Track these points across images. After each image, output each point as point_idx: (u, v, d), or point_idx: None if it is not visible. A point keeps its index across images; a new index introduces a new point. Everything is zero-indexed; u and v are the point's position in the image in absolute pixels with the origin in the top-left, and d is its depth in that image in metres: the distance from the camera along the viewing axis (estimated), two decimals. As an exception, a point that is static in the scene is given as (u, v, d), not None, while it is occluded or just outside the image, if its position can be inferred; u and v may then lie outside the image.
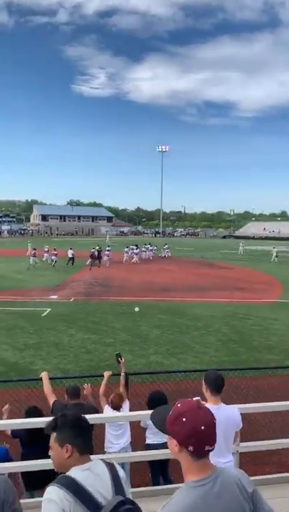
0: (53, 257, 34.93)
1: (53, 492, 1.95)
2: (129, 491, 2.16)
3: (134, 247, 41.95)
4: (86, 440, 2.13)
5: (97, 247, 37.39)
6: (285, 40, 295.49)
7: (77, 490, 1.97)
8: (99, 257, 35.93)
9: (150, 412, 5.18)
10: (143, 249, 44.63)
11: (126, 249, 40.93)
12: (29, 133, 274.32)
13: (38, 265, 33.42)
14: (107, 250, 37.50)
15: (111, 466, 2.15)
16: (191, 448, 1.68)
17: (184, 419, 1.69)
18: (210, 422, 1.70)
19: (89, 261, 33.54)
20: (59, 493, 1.94)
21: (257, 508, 1.77)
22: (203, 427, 1.67)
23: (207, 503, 1.65)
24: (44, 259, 36.34)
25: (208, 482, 1.69)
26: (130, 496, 2.10)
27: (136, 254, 40.84)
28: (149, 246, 46.45)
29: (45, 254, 36.93)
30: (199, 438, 1.67)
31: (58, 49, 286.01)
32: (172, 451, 1.76)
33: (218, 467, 1.78)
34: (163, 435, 5.31)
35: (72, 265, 33.93)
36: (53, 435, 2.16)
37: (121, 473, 2.16)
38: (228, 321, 15.97)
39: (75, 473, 2.05)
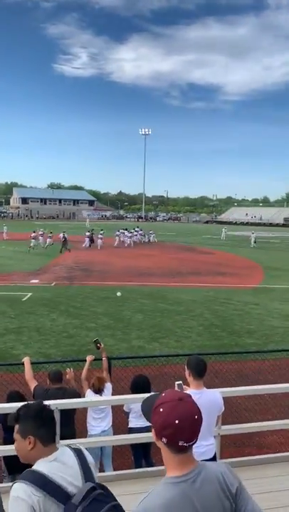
0: (48, 240, 36.18)
1: (20, 489, 1.91)
2: (97, 476, 2.15)
3: (125, 231, 42.92)
4: (49, 430, 2.09)
5: (92, 231, 39.07)
6: (271, 23, 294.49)
7: (44, 483, 1.94)
8: (92, 241, 38.11)
9: (133, 396, 5.23)
10: (134, 233, 45.32)
11: (117, 233, 41.94)
12: (8, 114, 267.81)
13: (35, 249, 33.50)
14: (101, 234, 38.56)
15: (78, 452, 2.13)
16: (164, 440, 1.65)
17: (161, 410, 1.65)
18: (188, 417, 1.63)
19: (32, 242, 34.62)
20: (26, 490, 1.90)
21: (239, 507, 1.71)
22: (177, 421, 1.60)
23: (185, 501, 1.60)
24: (39, 242, 36.65)
25: (188, 479, 1.64)
26: (98, 480, 2.09)
27: (129, 237, 41.97)
28: (138, 230, 47.03)
29: (40, 238, 37.43)
30: (173, 431, 1.61)
31: (38, 27, 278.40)
32: (154, 439, 1.73)
33: (200, 462, 1.72)
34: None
35: (66, 248, 34.11)
36: (16, 427, 2.12)
37: (89, 458, 2.16)
38: (210, 305, 16.14)
39: (42, 465, 2.01)
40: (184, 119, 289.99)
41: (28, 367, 5.21)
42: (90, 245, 38.07)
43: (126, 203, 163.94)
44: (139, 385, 5.31)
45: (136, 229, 46.99)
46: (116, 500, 1.98)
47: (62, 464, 2.05)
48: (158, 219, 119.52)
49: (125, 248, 38.91)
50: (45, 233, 38.19)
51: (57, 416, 3.97)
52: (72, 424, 5.04)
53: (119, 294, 16.95)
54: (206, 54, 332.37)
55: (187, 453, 1.66)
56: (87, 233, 39.30)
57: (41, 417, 2.08)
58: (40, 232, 38.17)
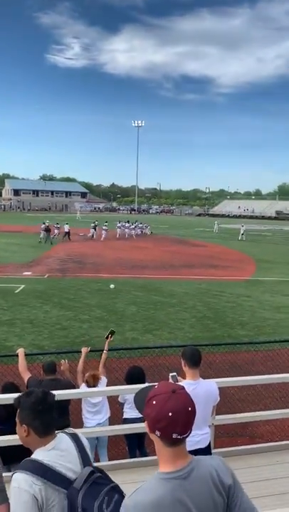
0: (55, 231, 37.33)
1: (21, 480, 1.93)
2: (92, 458, 2.20)
3: (126, 224, 44.20)
4: (45, 423, 2.09)
5: (96, 222, 40.86)
6: (265, 15, 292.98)
7: (44, 472, 1.96)
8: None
9: (127, 386, 5.25)
10: (135, 225, 46.10)
11: (118, 225, 43.44)
12: (0, 104, 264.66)
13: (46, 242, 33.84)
14: (105, 226, 39.87)
15: (75, 437, 2.17)
16: (158, 433, 1.63)
17: (154, 402, 1.63)
18: (181, 409, 1.60)
19: (42, 234, 34.97)
20: (27, 480, 1.92)
21: (233, 503, 1.69)
22: (170, 414, 1.58)
23: (177, 498, 1.58)
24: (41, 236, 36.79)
25: (181, 475, 1.62)
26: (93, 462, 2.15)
27: (133, 229, 43.56)
28: (139, 223, 47.75)
29: (56, 230, 37.96)
30: (166, 424, 1.59)
31: (31, 16, 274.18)
32: (147, 431, 1.71)
33: (194, 458, 1.70)
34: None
35: (69, 240, 35.81)
36: (18, 412, 2.15)
37: (84, 441, 2.20)
38: (202, 297, 16.21)
39: (40, 454, 2.04)
40: (177, 111, 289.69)
41: (21, 358, 5.19)
42: (93, 236, 39.49)
43: (119, 195, 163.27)
44: (134, 376, 5.33)
45: (136, 223, 47.66)
46: (114, 482, 2.04)
47: (61, 451, 2.07)
48: (151, 211, 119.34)
49: (120, 240, 38.92)
50: (51, 225, 38.06)
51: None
52: (67, 415, 5.06)
53: (112, 286, 16.95)
54: (200, 46, 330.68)
55: (181, 445, 1.65)
56: (92, 224, 40.47)
57: (37, 410, 2.08)
58: (55, 225, 38.90)
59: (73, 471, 2.04)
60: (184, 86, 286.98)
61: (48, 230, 34.58)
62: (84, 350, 5.60)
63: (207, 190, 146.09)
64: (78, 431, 2.31)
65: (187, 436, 1.64)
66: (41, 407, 2.09)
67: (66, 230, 36.76)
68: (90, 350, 5.67)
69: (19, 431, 2.11)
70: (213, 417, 4.34)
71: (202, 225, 66.91)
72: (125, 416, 5.50)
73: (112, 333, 5.78)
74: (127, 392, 4.95)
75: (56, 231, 37.85)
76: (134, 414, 5.25)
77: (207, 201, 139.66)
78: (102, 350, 5.78)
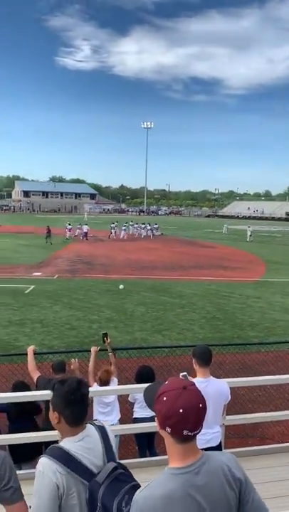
0: (78, 231, 39.73)
1: (46, 465, 1.97)
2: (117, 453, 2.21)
3: (142, 225, 47.00)
4: (76, 413, 2.11)
5: (116, 223, 43.25)
6: (274, 16, 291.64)
7: (69, 461, 2.00)
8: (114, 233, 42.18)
9: (137, 386, 5.23)
10: (149, 226, 47.29)
11: (135, 226, 46.82)
12: (11, 106, 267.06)
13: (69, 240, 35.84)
14: (124, 226, 43.49)
15: (102, 430, 2.18)
16: (168, 429, 1.61)
17: (165, 399, 1.62)
18: (192, 405, 1.59)
19: (68, 235, 37.93)
20: (52, 466, 1.96)
21: (245, 499, 1.68)
22: (181, 410, 1.57)
23: (187, 493, 1.57)
24: (67, 236, 38.68)
25: (191, 470, 1.60)
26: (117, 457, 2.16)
27: (149, 230, 45.57)
28: (149, 225, 48.56)
29: (68, 232, 39.58)
30: (176, 420, 1.58)
31: (40, 18, 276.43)
32: (158, 428, 1.70)
33: (205, 453, 1.68)
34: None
35: (87, 240, 37.90)
36: (52, 397, 2.18)
37: (111, 435, 2.21)
38: (212, 298, 16.14)
39: (68, 444, 2.07)
40: (187, 112, 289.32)
41: (30, 357, 5.19)
42: (110, 236, 41.56)
43: (128, 197, 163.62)
44: (143, 376, 5.32)
45: (150, 224, 49.22)
46: (136, 481, 2.04)
47: (87, 443, 2.10)
48: (160, 213, 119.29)
49: (129, 241, 38.99)
50: (73, 228, 40.57)
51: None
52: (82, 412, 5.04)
53: (121, 287, 16.97)
54: (209, 47, 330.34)
55: (191, 442, 1.63)
56: (112, 225, 42.51)
57: (69, 399, 2.09)
58: (68, 228, 39.89)
59: (96, 465, 2.06)
60: (192, 87, 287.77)
61: (48, 231, 34.92)
62: (93, 349, 5.58)
63: (216, 192, 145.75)
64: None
65: (198, 433, 1.62)
66: (73, 396, 2.10)
67: (85, 230, 38.99)
68: (99, 350, 5.66)
69: (51, 416, 2.14)
70: (223, 416, 4.32)
71: (211, 226, 66.68)
72: (135, 415, 5.48)
73: (105, 335, 5.74)
74: (137, 391, 4.94)
75: (78, 231, 39.88)
76: (144, 413, 5.24)
77: (216, 202, 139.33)
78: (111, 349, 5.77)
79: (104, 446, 2.12)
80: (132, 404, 5.58)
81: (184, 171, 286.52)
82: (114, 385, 5.36)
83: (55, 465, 1.96)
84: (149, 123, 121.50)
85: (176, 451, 1.63)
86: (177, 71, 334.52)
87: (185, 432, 1.59)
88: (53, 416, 2.13)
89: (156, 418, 1.67)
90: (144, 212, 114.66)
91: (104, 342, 5.72)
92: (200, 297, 16.29)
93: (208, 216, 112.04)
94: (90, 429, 2.16)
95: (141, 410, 5.33)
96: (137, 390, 5.00)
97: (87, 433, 2.13)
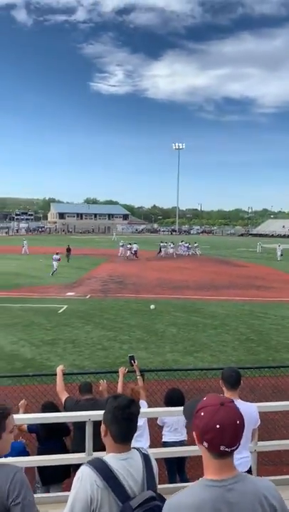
0: (125, 250, 41.90)
1: (86, 474, 1.99)
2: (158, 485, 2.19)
3: (186, 244, 48.93)
4: (121, 430, 2.11)
5: (163, 243, 46.10)
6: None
7: (109, 477, 2.00)
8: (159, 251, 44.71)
9: (166, 409, 5.13)
10: (186, 244, 49.25)
11: (180, 244, 49.20)
12: (47, 131, 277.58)
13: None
14: (172, 245, 46.22)
15: (146, 458, 2.17)
16: (205, 444, 1.64)
17: (202, 414, 1.65)
18: (229, 421, 1.62)
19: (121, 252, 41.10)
20: (92, 476, 1.97)
21: None
22: (218, 426, 1.60)
23: (217, 507, 1.57)
24: (128, 254, 41.41)
25: (225, 485, 1.61)
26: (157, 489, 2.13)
27: (187, 249, 48.19)
28: (185, 243, 50.38)
29: (128, 251, 42.07)
30: (213, 436, 1.61)
31: (75, 47, 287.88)
32: (196, 442, 1.74)
33: (242, 473, 1.70)
34: (181, 433, 5.22)
35: (137, 258, 40.14)
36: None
37: (154, 464, 2.20)
38: (245, 319, 15.81)
39: (111, 460, 2.07)
40: (219, 132, 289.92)
41: (59, 378, 5.20)
42: (160, 254, 44.37)
43: (160, 217, 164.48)
44: (173, 399, 5.23)
45: (184, 243, 51.05)
46: None
47: (130, 466, 2.09)
48: (192, 232, 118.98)
49: (161, 261, 39.02)
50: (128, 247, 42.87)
51: (89, 428, 3.96)
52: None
53: (152, 306, 16.91)
54: (241, 67, 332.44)
55: (228, 458, 1.65)
56: (161, 244, 45.91)
57: (116, 415, 2.11)
58: (128, 247, 42.36)
59: (134, 489, 2.04)
60: (225, 107, 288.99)
61: (68, 250, 35.84)
62: (121, 370, 5.54)
63: (250, 210, 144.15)
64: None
65: (235, 449, 1.64)
66: (121, 413, 2.11)
67: (135, 249, 41.54)
68: (127, 371, 5.61)
69: (102, 427, 2.17)
70: (254, 442, 4.16)
71: (244, 245, 65.79)
72: (164, 439, 5.38)
73: (132, 358, 5.70)
74: (167, 414, 4.86)
75: (128, 251, 41.74)
76: (174, 437, 5.15)
77: (250, 221, 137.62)
78: (139, 372, 5.71)
79: (146, 474, 2.10)
80: (160, 428, 5.47)
81: (216, 191, 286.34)
82: (143, 408, 5.28)
83: (95, 476, 1.97)
84: (180, 144, 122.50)
85: (212, 465, 1.66)
86: (209, 92, 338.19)
87: (222, 448, 1.62)
88: (103, 428, 2.15)
89: (194, 432, 1.70)
90: (176, 231, 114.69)
91: (131, 365, 5.69)
92: (233, 318, 15.99)
93: (242, 235, 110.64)
94: (134, 453, 2.16)
95: (170, 434, 5.23)
96: (164, 413, 4.92)
97: (132, 456, 2.13)
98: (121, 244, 45.18)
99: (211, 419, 1.62)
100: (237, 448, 1.64)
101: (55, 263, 28.12)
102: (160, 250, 44.57)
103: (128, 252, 41.64)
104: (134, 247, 41.96)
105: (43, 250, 45.63)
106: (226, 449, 1.62)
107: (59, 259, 28.97)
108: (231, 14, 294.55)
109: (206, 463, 1.69)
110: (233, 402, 1.70)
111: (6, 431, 2.19)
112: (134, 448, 2.19)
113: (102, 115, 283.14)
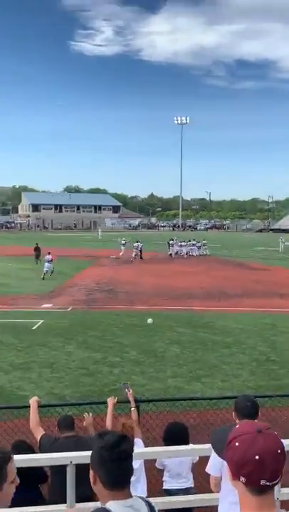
0: (135, 251, 43.05)
1: None
2: None
3: (183, 242, 49.85)
4: (112, 473, 2.12)
5: (172, 239, 48.94)
6: None
7: None
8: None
9: (166, 448, 5.15)
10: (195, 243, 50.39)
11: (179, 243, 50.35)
12: (19, 103, 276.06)
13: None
14: (183, 243, 48.65)
15: (151, 506, 2.25)
16: (243, 479, 1.70)
17: (237, 444, 1.71)
18: (270, 451, 1.68)
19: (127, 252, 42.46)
20: None
21: None
22: (257, 457, 1.66)
23: None
24: (134, 255, 42.59)
25: None
26: None
27: (198, 248, 49.15)
28: (195, 242, 50.85)
29: (134, 251, 43.41)
30: (252, 469, 1.67)
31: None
32: (230, 479, 1.80)
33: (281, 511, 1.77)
34: (186, 478, 5.25)
35: (142, 259, 41.98)
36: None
37: None
38: (266, 335, 15.91)
39: (115, 507, 2.10)
40: (231, 103, 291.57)
41: (33, 411, 5.22)
42: (171, 255, 47.34)
43: (159, 209, 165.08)
44: (174, 436, 5.26)
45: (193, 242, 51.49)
46: None
47: None
48: (198, 227, 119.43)
49: (160, 263, 39.17)
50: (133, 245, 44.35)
51: (71, 472, 3.97)
52: (89, 484, 5.01)
53: (150, 321, 16.94)
54: (259, 22, 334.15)
55: (269, 494, 1.72)
56: (171, 242, 48.42)
57: (104, 456, 2.12)
58: (134, 245, 43.90)
59: None
60: (239, 72, 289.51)
61: (36, 249, 36.76)
62: (110, 401, 5.56)
63: (270, 200, 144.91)
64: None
65: (277, 483, 1.71)
66: (109, 453, 2.12)
67: (139, 248, 42.94)
68: (117, 402, 5.63)
69: (90, 472, 2.20)
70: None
71: (264, 243, 66.14)
72: (166, 486, 5.40)
73: (126, 386, 5.73)
74: (166, 455, 4.87)
75: (134, 251, 42.96)
76: (177, 485, 5.17)
77: (270, 213, 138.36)
78: (134, 402, 5.73)
79: None
80: (159, 472, 5.49)
81: (228, 176, 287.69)
82: (138, 448, 5.30)
83: None
84: (183, 118, 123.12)
85: (250, 503, 1.72)
86: (219, 53, 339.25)
87: (262, 482, 1.68)
88: (91, 475, 2.18)
89: (228, 467, 1.77)
90: (179, 227, 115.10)
91: (125, 394, 5.71)
92: (250, 334, 16.08)
93: (260, 231, 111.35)
94: (138, 501, 2.21)
95: (172, 480, 5.26)
96: (163, 454, 4.93)
97: (136, 503, 2.18)
98: (123, 242, 45.71)
99: (248, 449, 1.68)
100: (279, 481, 1.71)
101: (47, 264, 29.82)
102: (174, 250, 47.03)
103: (134, 253, 42.61)
104: (139, 246, 43.17)
105: (12, 251, 45.72)
106: (267, 483, 1.68)
107: (51, 260, 30.19)
108: None
109: (242, 500, 1.76)
110: (270, 428, 1.76)
111: (8, 481, 2.21)
112: (137, 496, 2.25)
113: (86, 82, 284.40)
